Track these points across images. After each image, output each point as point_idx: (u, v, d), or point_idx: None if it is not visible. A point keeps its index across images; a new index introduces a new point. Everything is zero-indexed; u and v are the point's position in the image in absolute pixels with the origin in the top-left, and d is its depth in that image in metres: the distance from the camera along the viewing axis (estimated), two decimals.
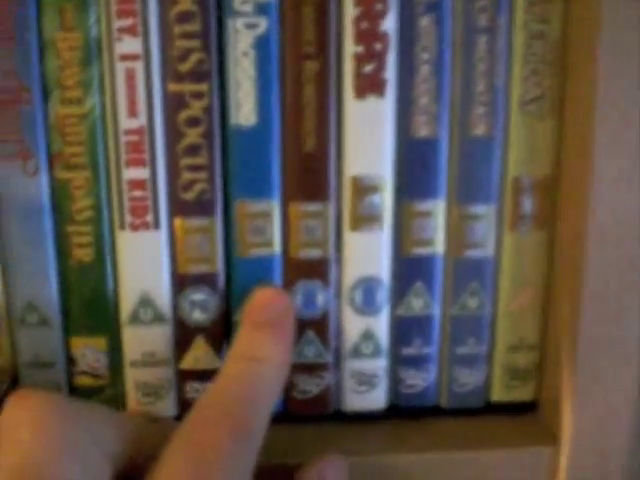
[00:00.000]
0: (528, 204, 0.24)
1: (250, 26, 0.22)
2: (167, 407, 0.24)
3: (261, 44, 0.22)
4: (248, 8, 0.22)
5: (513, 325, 0.25)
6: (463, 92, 0.23)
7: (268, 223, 0.23)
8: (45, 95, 0.22)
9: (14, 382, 0.24)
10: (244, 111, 0.23)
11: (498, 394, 0.25)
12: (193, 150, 0.23)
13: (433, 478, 0.24)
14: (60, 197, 0.23)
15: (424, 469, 0.24)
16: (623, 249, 0.22)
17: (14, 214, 0.23)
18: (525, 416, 0.25)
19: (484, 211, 0.24)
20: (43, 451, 0.17)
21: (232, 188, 0.23)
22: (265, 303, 0.22)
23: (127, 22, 0.22)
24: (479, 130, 0.23)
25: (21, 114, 0.22)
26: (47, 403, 0.17)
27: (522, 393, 0.25)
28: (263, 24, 0.22)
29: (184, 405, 0.25)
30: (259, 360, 0.21)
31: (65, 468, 0.17)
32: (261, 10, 0.22)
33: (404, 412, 0.25)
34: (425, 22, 0.22)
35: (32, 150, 0.22)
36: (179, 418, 0.25)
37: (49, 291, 0.23)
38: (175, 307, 0.24)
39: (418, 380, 0.25)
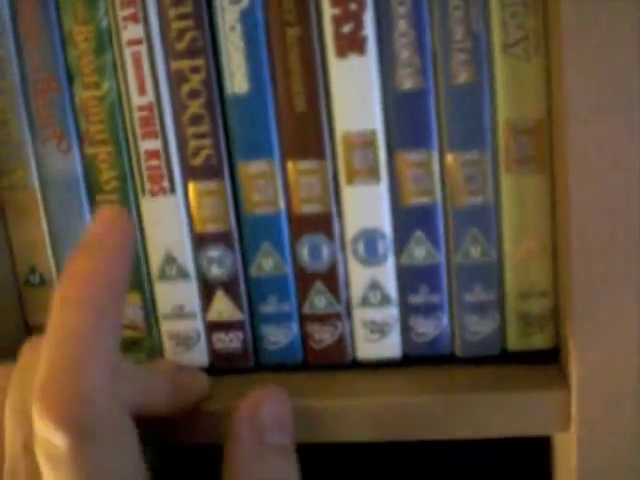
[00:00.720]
0: (523, 148, 0.33)
1: (234, 2, 0.33)
2: (198, 356, 0.38)
3: (246, 17, 0.33)
4: None
5: (522, 272, 0.34)
6: (442, 42, 0.33)
7: (270, 182, 0.35)
8: (70, 82, 0.36)
9: None
10: (237, 80, 0.34)
11: (514, 342, 0.35)
12: (196, 120, 0.35)
13: (446, 419, 0.35)
14: (89, 170, 0.36)
15: (436, 410, 0.35)
16: (607, 184, 0.31)
17: (55, 187, 0.37)
18: (543, 364, 0.35)
19: (478, 157, 0.33)
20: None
21: (235, 151, 0.35)
22: (93, 226, 0.30)
23: (129, 11, 0.34)
24: (462, 78, 0.33)
25: (52, 101, 0.36)
26: None
27: (539, 340, 0.34)
28: None
29: (214, 354, 0.38)
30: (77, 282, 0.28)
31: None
32: None
33: (420, 361, 0.36)
34: None
35: (64, 131, 0.36)
36: (210, 367, 0.38)
37: None
38: (196, 263, 0.37)
39: (429, 328, 0.36)
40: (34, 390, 0.27)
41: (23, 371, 0.30)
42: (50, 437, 0.26)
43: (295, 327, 0.36)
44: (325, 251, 0.35)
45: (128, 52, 0.34)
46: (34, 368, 0.28)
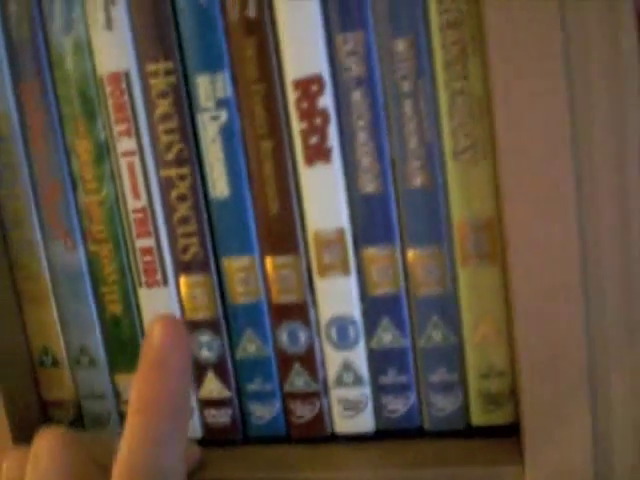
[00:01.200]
0: (477, 243, 0.36)
1: (214, 118, 0.37)
2: (193, 429, 0.42)
3: (225, 131, 0.37)
4: (211, 104, 0.37)
5: (481, 354, 0.37)
6: (399, 150, 0.36)
7: (251, 275, 0.39)
8: (74, 188, 0.40)
9: (78, 411, 0.43)
10: (219, 186, 0.38)
11: (477, 418, 0.38)
12: (185, 220, 0.39)
13: None
14: (93, 265, 0.41)
15: None
16: (546, 279, 0.34)
17: (63, 278, 0.41)
18: (505, 438, 0.38)
19: (436, 252, 0.36)
20: (53, 474, 0.32)
21: (219, 248, 0.39)
22: (154, 341, 0.31)
23: (123, 126, 0.38)
24: (418, 181, 0.36)
25: (59, 204, 0.40)
26: (60, 437, 0.33)
27: (500, 416, 0.37)
28: (224, 115, 0.37)
29: (206, 428, 0.41)
30: (155, 410, 0.30)
31: None
32: (221, 104, 0.37)
33: (392, 434, 0.40)
34: (357, 95, 0.36)
35: (69, 230, 0.41)
36: (203, 439, 0.42)
37: (95, 338, 0.41)
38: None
39: (399, 405, 0.39)
40: None
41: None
42: None
43: (278, 404, 0.40)
44: (302, 336, 0.38)
45: (123, 162, 0.38)
46: (37, 460, 0.32)
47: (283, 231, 0.37)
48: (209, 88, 0.37)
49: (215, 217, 0.38)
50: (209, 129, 0.37)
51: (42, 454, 0.33)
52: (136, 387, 0.31)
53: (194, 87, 0.37)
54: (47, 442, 0.33)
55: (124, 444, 0.30)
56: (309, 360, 0.39)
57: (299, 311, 0.38)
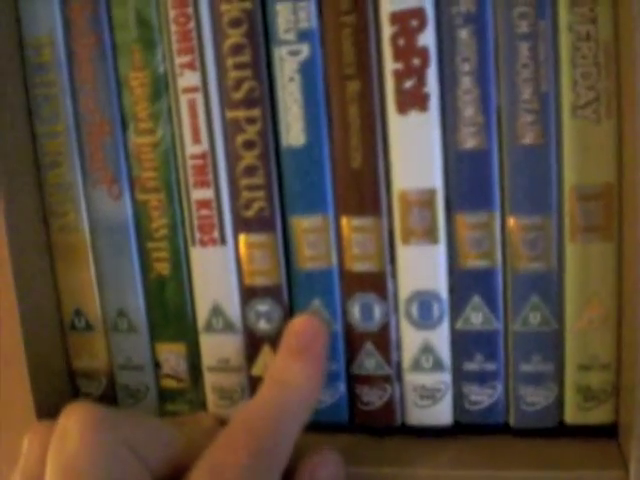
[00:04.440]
0: (590, 214, 0.31)
1: (294, 53, 0.33)
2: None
3: (305, 69, 0.33)
4: (291, 36, 0.33)
5: (583, 343, 0.33)
6: (509, 101, 0.32)
7: (323, 237, 0.34)
8: (123, 127, 0.36)
9: (110, 383, 0.39)
10: (294, 132, 0.34)
11: (572, 416, 0.33)
12: (250, 171, 0.34)
13: None
14: (140, 217, 0.36)
15: None
16: None
17: (104, 232, 0.37)
18: (602, 440, 0.33)
19: (542, 222, 0.32)
20: (84, 461, 0.28)
21: (288, 205, 0.35)
22: (298, 330, 0.33)
23: (187, 58, 0.34)
24: (528, 139, 0.32)
25: (105, 145, 0.36)
26: (91, 415, 0.29)
27: (598, 415, 0.33)
28: (305, 50, 0.33)
29: None
30: (287, 385, 0.31)
31: (101, 469, 0.28)
32: (303, 37, 0.32)
33: (472, 429, 0.35)
34: (464, 34, 0.31)
35: (115, 176, 0.36)
36: None
37: (136, 300, 0.37)
38: (243, 317, 0.36)
39: (483, 396, 0.34)
40: None
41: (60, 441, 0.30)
42: None
43: (342, 387, 0.35)
44: (377, 311, 0.34)
45: (184, 99, 0.34)
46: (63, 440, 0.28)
47: (364, 188, 0.33)
48: (290, 17, 0.32)
49: (286, 168, 0.34)
50: (287, 66, 0.33)
51: (70, 433, 0.28)
52: (277, 363, 0.33)
53: (272, 15, 0.32)
54: (76, 420, 0.29)
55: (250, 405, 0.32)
56: (383, 339, 0.34)
57: (376, 282, 0.34)
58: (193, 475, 0.28)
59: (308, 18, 0.32)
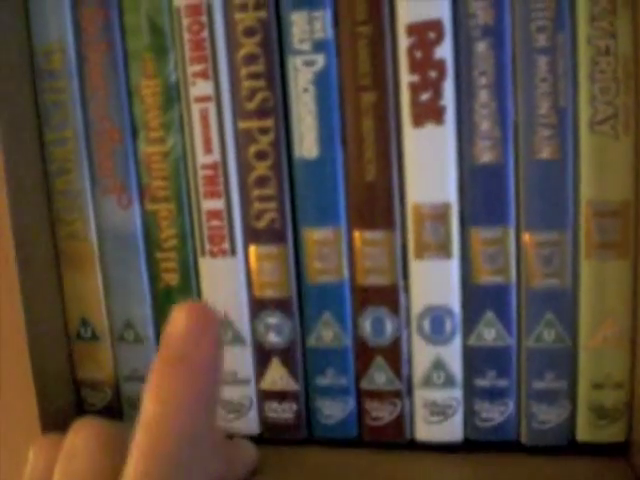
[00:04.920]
0: (606, 231, 0.31)
1: (309, 63, 0.33)
2: (249, 425, 0.37)
3: (320, 80, 0.32)
4: (306, 46, 0.32)
5: (597, 361, 0.32)
6: (525, 115, 0.31)
7: (334, 250, 0.34)
8: (134, 135, 0.35)
9: (116, 394, 0.38)
10: (307, 144, 0.33)
11: (584, 433, 0.33)
12: (262, 182, 0.34)
13: None
14: (149, 226, 0.35)
15: None
16: None
17: (112, 241, 0.36)
18: (612, 459, 0.33)
19: (557, 238, 0.32)
20: (90, 473, 0.27)
21: (300, 216, 0.34)
22: (175, 332, 0.25)
23: (200, 67, 0.33)
24: (545, 153, 0.31)
25: (114, 153, 0.35)
26: (101, 433, 0.28)
27: (610, 434, 0.32)
28: (321, 61, 0.32)
29: (265, 424, 0.37)
30: (164, 405, 0.24)
31: None
32: (318, 47, 0.32)
33: (482, 447, 0.35)
34: (482, 47, 0.31)
35: (125, 184, 0.36)
36: (260, 436, 0.37)
37: (143, 311, 0.36)
38: (253, 329, 0.36)
39: (494, 414, 0.34)
40: None
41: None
42: None
43: (352, 402, 0.35)
44: (389, 325, 0.34)
45: (196, 109, 0.33)
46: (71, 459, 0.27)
47: (377, 201, 0.32)
48: (305, 27, 0.32)
49: (299, 180, 0.33)
50: (301, 76, 0.32)
51: (77, 451, 0.27)
52: (153, 379, 0.25)
53: (287, 25, 0.32)
54: (84, 438, 0.28)
55: (138, 443, 0.25)
56: (394, 354, 0.34)
57: (388, 296, 0.33)
58: None
59: (323, 28, 0.32)
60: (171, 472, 0.24)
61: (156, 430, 0.25)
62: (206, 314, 0.26)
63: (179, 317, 0.26)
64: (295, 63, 0.32)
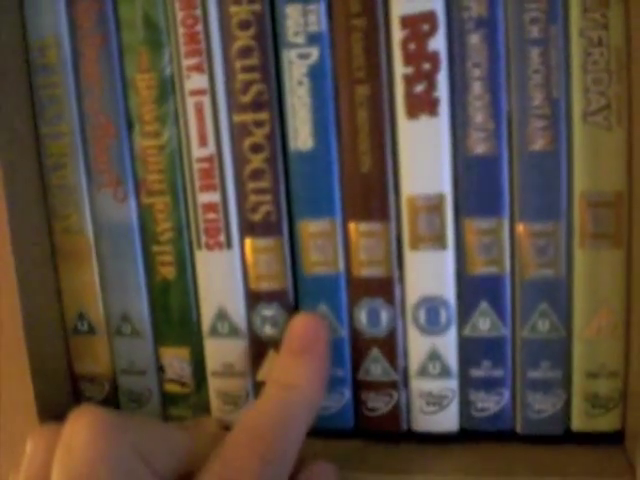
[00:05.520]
0: (600, 221, 0.31)
1: (303, 56, 0.32)
2: None
3: (314, 72, 0.32)
4: (300, 39, 0.32)
5: (591, 350, 0.32)
6: (519, 106, 0.31)
7: (330, 242, 0.34)
8: (129, 129, 0.35)
9: (112, 388, 0.38)
10: (302, 136, 0.33)
11: (579, 422, 0.33)
12: (258, 175, 0.34)
13: None
14: (145, 220, 0.35)
15: None
16: None
17: (108, 235, 0.36)
18: (608, 447, 0.33)
19: (551, 228, 0.32)
20: (90, 466, 0.27)
21: (295, 209, 0.34)
22: (299, 331, 0.33)
23: (194, 60, 0.33)
24: (538, 145, 0.31)
25: (110, 147, 0.35)
26: (100, 421, 0.28)
27: (605, 423, 0.33)
28: (315, 53, 0.32)
29: None
30: (291, 387, 0.31)
31: None
32: (312, 40, 0.32)
33: (478, 436, 0.35)
34: (475, 39, 0.31)
35: (121, 178, 0.36)
36: None
37: (140, 304, 0.36)
38: (249, 322, 0.36)
39: (490, 403, 0.34)
40: None
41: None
42: None
43: (348, 393, 0.35)
44: (384, 316, 0.34)
45: (191, 102, 0.33)
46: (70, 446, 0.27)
47: (372, 193, 0.32)
48: (300, 20, 0.32)
49: (294, 172, 0.33)
50: (296, 68, 0.32)
51: (77, 440, 0.27)
52: (279, 369, 0.33)
53: (282, 18, 0.32)
54: (84, 425, 0.27)
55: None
56: (390, 345, 0.34)
57: (383, 287, 0.33)
58: (203, 478, 0.28)
59: (318, 21, 0.32)
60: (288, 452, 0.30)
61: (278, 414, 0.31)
62: (321, 320, 0.34)
63: (300, 321, 0.33)
64: (289, 56, 0.32)
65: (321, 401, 0.32)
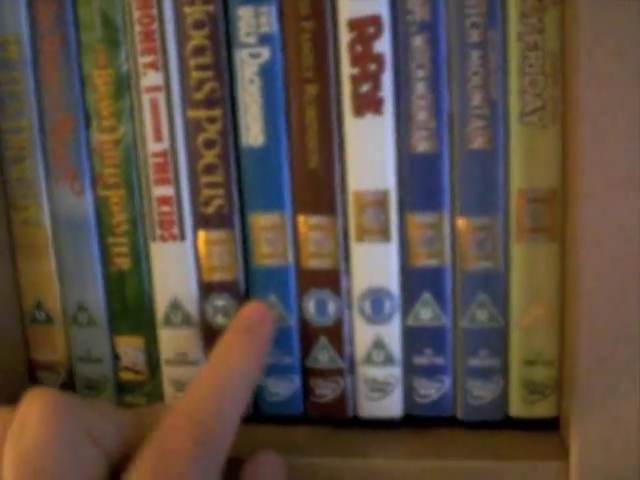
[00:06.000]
0: (536, 217, 0.32)
1: (254, 56, 0.34)
2: None
3: (265, 72, 0.33)
4: (252, 39, 0.34)
5: (528, 339, 0.34)
6: (460, 107, 0.33)
7: (280, 235, 0.35)
8: (87, 124, 0.36)
9: (69, 375, 0.39)
10: (253, 133, 0.34)
11: (517, 409, 0.34)
12: (211, 169, 0.35)
13: None
14: (101, 212, 0.36)
15: (435, 476, 0.35)
16: (621, 261, 0.31)
17: (66, 226, 0.37)
18: (545, 433, 0.35)
19: (489, 223, 0.33)
20: (41, 445, 0.27)
21: (247, 202, 0.35)
22: (246, 313, 0.34)
23: (150, 58, 0.34)
24: (477, 143, 0.33)
25: (68, 142, 0.36)
26: (52, 402, 0.28)
27: (542, 409, 0.34)
28: (266, 53, 0.33)
29: None
30: (229, 365, 0.31)
31: (59, 461, 0.27)
32: (264, 41, 0.33)
33: (421, 422, 0.36)
34: (418, 42, 0.32)
35: (78, 172, 0.37)
36: None
37: (96, 294, 0.37)
38: (202, 311, 0.37)
39: (431, 390, 0.35)
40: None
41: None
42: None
43: (297, 380, 0.36)
44: (331, 307, 0.35)
45: (146, 98, 0.34)
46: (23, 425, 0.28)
47: (320, 188, 0.34)
48: (252, 22, 0.33)
49: (245, 167, 0.34)
50: (247, 68, 0.33)
51: (31, 421, 0.28)
52: (222, 346, 0.33)
53: (235, 19, 0.33)
54: (37, 407, 0.28)
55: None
56: (336, 334, 0.35)
57: (330, 279, 0.35)
58: (138, 462, 0.28)
59: (269, 23, 0.33)
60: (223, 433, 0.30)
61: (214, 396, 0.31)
62: (268, 307, 0.35)
63: (248, 306, 0.35)
64: (241, 55, 0.33)
65: (257, 382, 0.33)
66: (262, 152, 0.34)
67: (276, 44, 0.33)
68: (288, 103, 0.33)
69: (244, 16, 0.33)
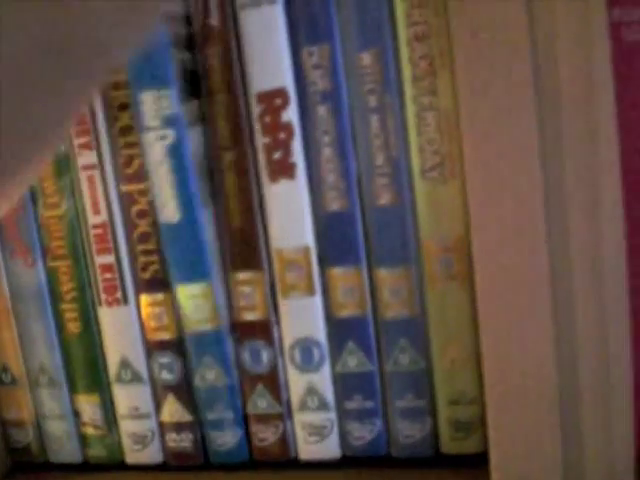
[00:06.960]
0: (445, 264, 0.34)
1: (161, 137, 0.35)
2: (154, 454, 0.39)
3: (173, 152, 0.35)
4: (156, 122, 0.35)
5: (450, 380, 0.35)
6: (365, 167, 0.34)
7: (207, 302, 0.37)
8: (34, 202, 0.39)
9: (38, 431, 0.41)
10: (168, 210, 0.36)
11: (447, 446, 0.36)
12: (145, 237, 0.37)
13: None
14: (52, 282, 0.39)
15: None
16: (515, 307, 0.32)
17: (23, 296, 0.40)
18: (476, 468, 0.36)
19: (404, 273, 0.35)
20: None
21: (172, 274, 0.37)
22: None
23: (84, 139, 0.37)
24: (384, 200, 0.34)
25: (18, 219, 0.39)
26: None
27: (470, 445, 0.35)
28: (171, 134, 0.35)
29: (167, 452, 0.39)
30: None
31: None
32: (168, 122, 0.35)
33: (360, 461, 0.38)
34: (322, 110, 0.34)
35: (29, 246, 0.39)
36: (164, 465, 0.40)
37: (54, 357, 0.39)
38: (149, 368, 0.39)
39: (364, 432, 0.37)
40: None
41: None
42: None
43: (240, 430, 0.38)
44: (265, 356, 0.37)
45: (84, 176, 0.37)
46: None
47: (246, 247, 0.36)
48: (153, 106, 0.35)
49: (165, 243, 0.37)
50: (155, 150, 0.35)
51: None
52: None
53: (138, 104, 0.35)
54: None
55: None
56: (272, 381, 0.37)
57: (263, 330, 0.36)
58: None
59: (170, 105, 0.35)
60: None
61: None
62: None
63: None
64: (149, 138, 0.35)
65: None
66: (179, 227, 0.36)
67: (181, 124, 0.35)
68: (210, 169, 0.36)
69: (146, 101, 0.35)
